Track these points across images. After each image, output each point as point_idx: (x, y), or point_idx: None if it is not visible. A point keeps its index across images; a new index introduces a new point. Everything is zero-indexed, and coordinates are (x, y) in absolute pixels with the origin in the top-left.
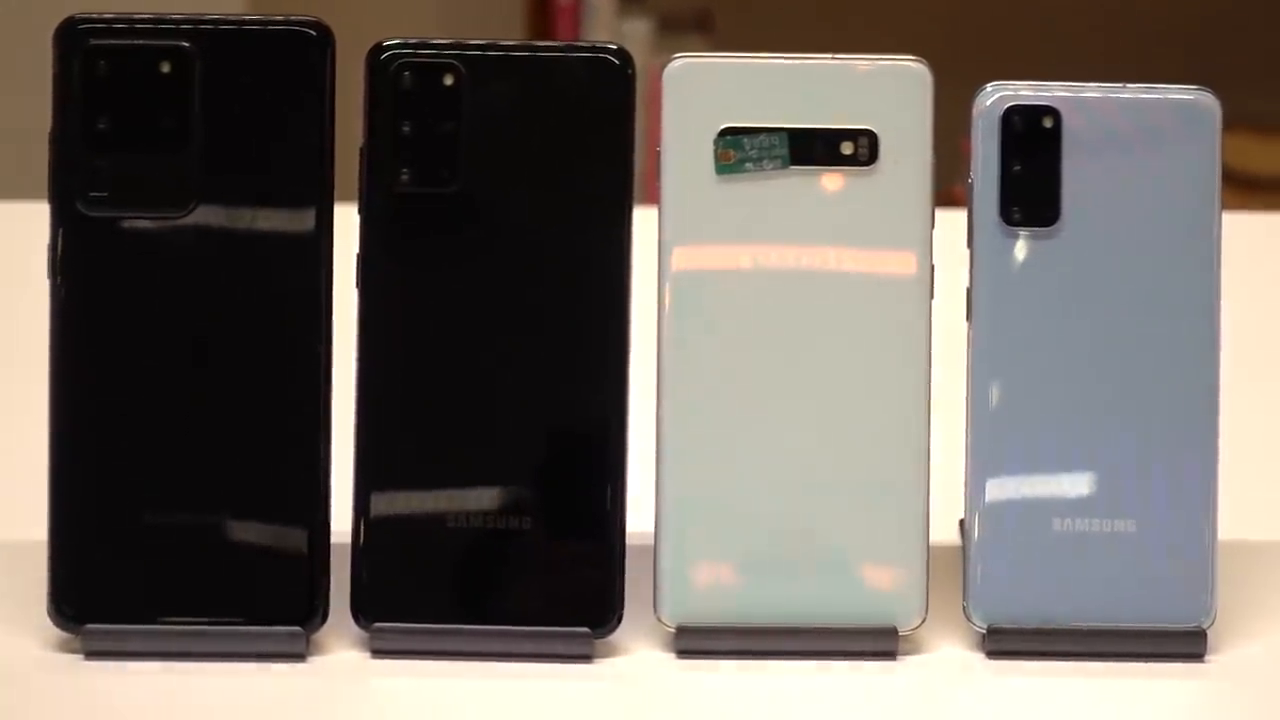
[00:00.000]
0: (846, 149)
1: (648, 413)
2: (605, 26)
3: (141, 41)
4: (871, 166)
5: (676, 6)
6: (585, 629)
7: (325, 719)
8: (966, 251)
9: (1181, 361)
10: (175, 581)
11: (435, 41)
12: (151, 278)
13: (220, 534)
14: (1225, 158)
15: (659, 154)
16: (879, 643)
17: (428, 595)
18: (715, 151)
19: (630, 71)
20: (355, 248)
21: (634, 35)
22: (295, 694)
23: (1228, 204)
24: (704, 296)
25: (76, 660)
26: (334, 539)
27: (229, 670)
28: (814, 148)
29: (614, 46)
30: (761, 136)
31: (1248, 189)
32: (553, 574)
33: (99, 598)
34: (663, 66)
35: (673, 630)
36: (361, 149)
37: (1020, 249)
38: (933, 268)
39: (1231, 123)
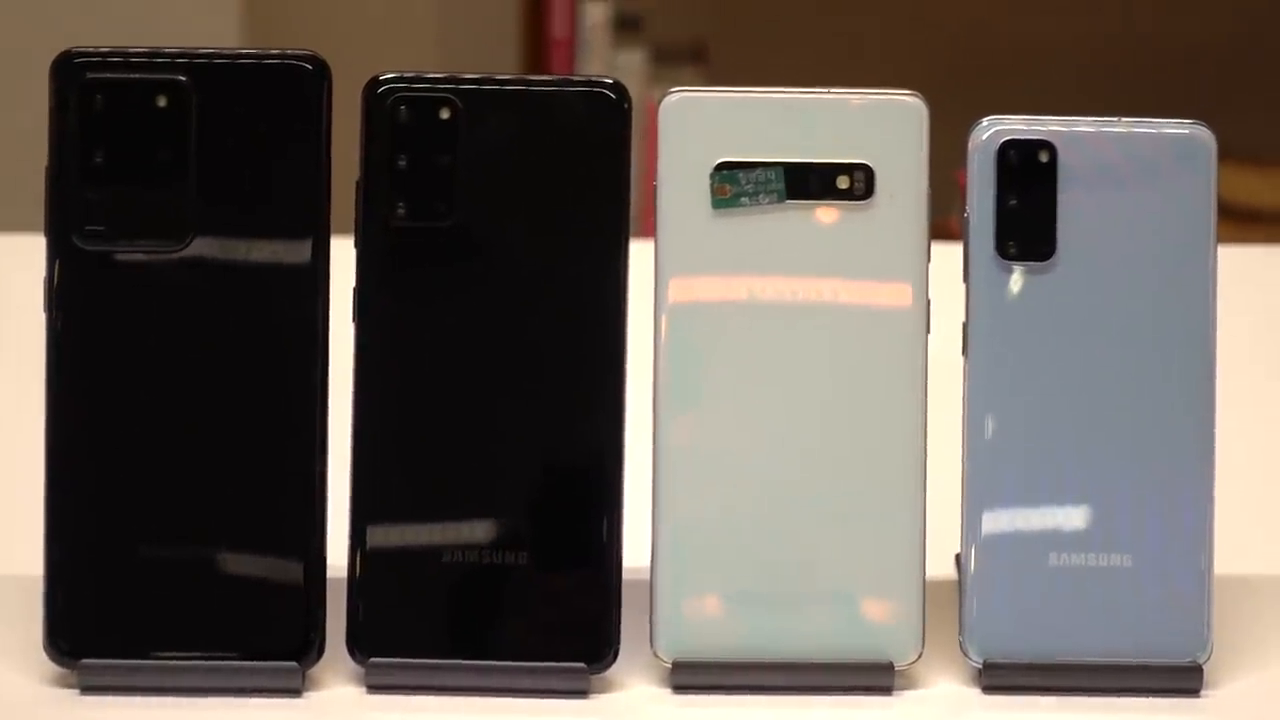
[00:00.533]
0: (842, 183)
1: (644, 446)
2: (600, 59)
3: (138, 75)
4: (867, 201)
5: (671, 39)
6: (581, 664)
7: None
8: (962, 285)
9: (1177, 395)
10: (171, 616)
11: (431, 75)
12: (148, 311)
13: (216, 568)
14: (1220, 190)
15: (655, 188)
16: (875, 677)
17: (424, 630)
18: (711, 186)
19: (626, 105)
20: (351, 281)
21: (628, 67)
22: None
23: (1222, 236)
24: (700, 329)
25: (72, 695)
26: (330, 573)
27: (225, 705)
28: (810, 182)
29: (610, 80)
30: (757, 171)
31: (1242, 221)
32: (549, 608)
33: (94, 633)
34: (658, 100)
35: (669, 665)
36: (357, 182)
37: (1016, 283)
38: (929, 301)
39: (1226, 155)
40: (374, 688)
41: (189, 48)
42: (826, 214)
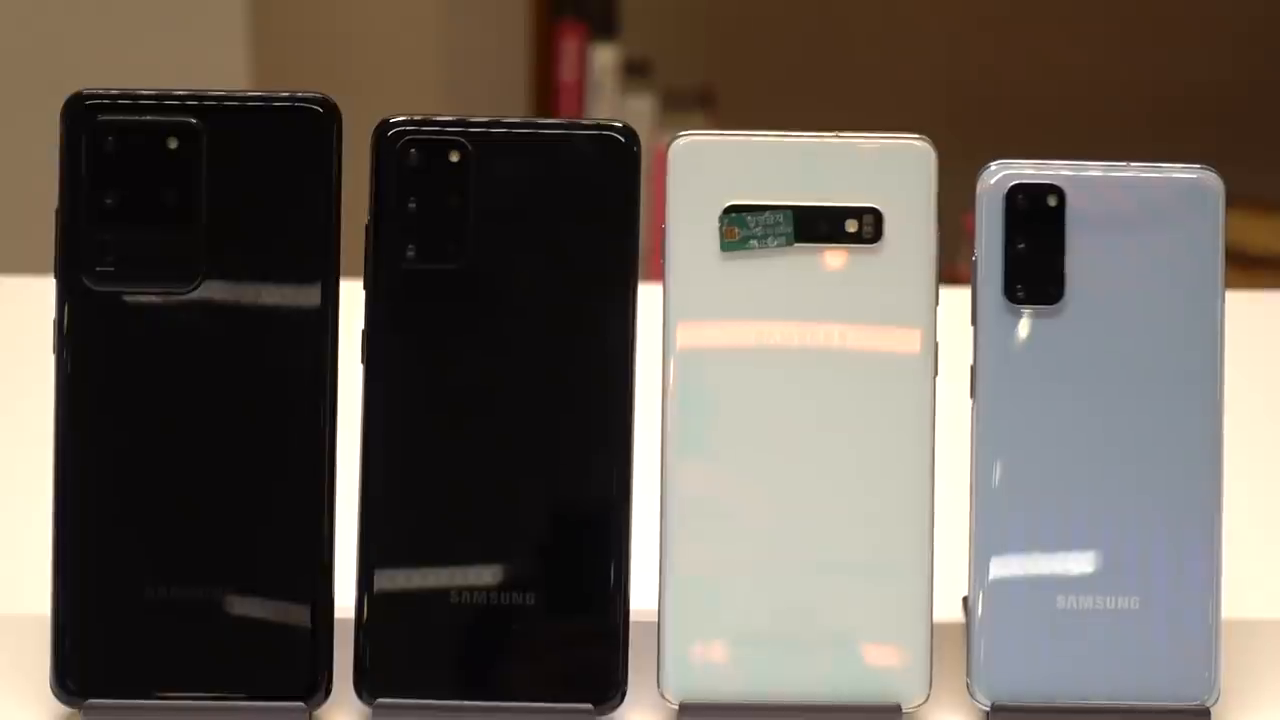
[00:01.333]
0: (851, 227)
1: (652, 489)
2: (608, 103)
3: (148, 117)
4: (876, 244)
5: (680, 83)
6: (588, 705)
7: None
8: (970, 329)
9: (1185, 440)
10: (178, 657)
11: (440, 118)
12: (157, 353)
13: (223, 609)
14: (1227, 235)
15: (664, 231)
16: None
17: (431, 671)
18: (720, 229)
19: (636, 149)
20: (360, 323)
21: (637, 111)
22: None
23: (1230, 282)
24: (708, 373)
25: None
26: (337, 614)
27: None
28: (819, 225)
29: (619, 124)
30: (766, 214)
31: (1250, 266)
32: (556, 649)
33: (102, 673)
34: (667, 144)
35: (676, 707)
36: (367, 225)
37: (1024, 327)
38: (937, 345)
39: (1234, 200)
40: None
41: (199, 90)
42: (835, 257)
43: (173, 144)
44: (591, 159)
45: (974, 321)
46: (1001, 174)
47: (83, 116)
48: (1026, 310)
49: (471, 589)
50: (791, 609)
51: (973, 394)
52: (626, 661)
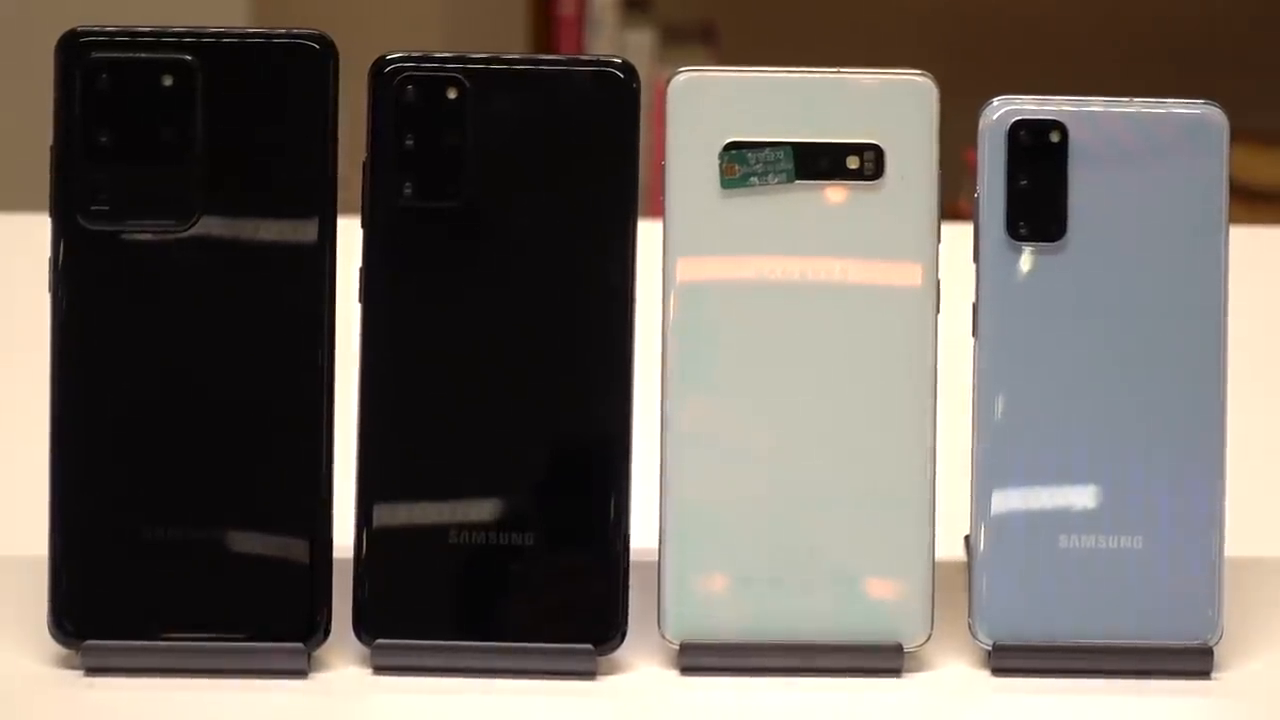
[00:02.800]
0: (852, 163)
1: (652, 426)
2: (608, 38)
3: (144, 54)
4: (877, 181)
5: (680, 18)
6: (588, 645)
7: None
8: (972, 266)
9: (1188, 377)
10: (176, 597)
11: (438, 55)
12: (153, 291)
13: (221, 550)
14: (1231, 170)
15: (663, 168)
16: (884, 659)
17: (430, 611)
18: (720, 166)
19: (635, 85)
20: (358, 261)
21: (637, 46)
22: (296, 711)
23: (1233, 217)
24: (709, 308)
25: (76, 676)
26: (336, 555)
27: (230, 687)
28: (819, 162)
29: (619, 60)
30: (766, 151)
31: (1253, 201)
32: (556, 590)
33: (99, 613)
34: (667, 80)
35: (677, 646)
36: (364, 163)
37: (1026, 264)
38: (939, 282)
39: (1237, 135)
40: (380, 669)
41: (195, 27)
42: (836, 194)
43: (168, 81)
44: (591, 96)
45: (976, 259)
46: (1004, 110)
47: (78, 53)
48: (1029, 247)
49: (471, 528)
50: (792, 548)
51: (975, 332)
52: (627, 601)
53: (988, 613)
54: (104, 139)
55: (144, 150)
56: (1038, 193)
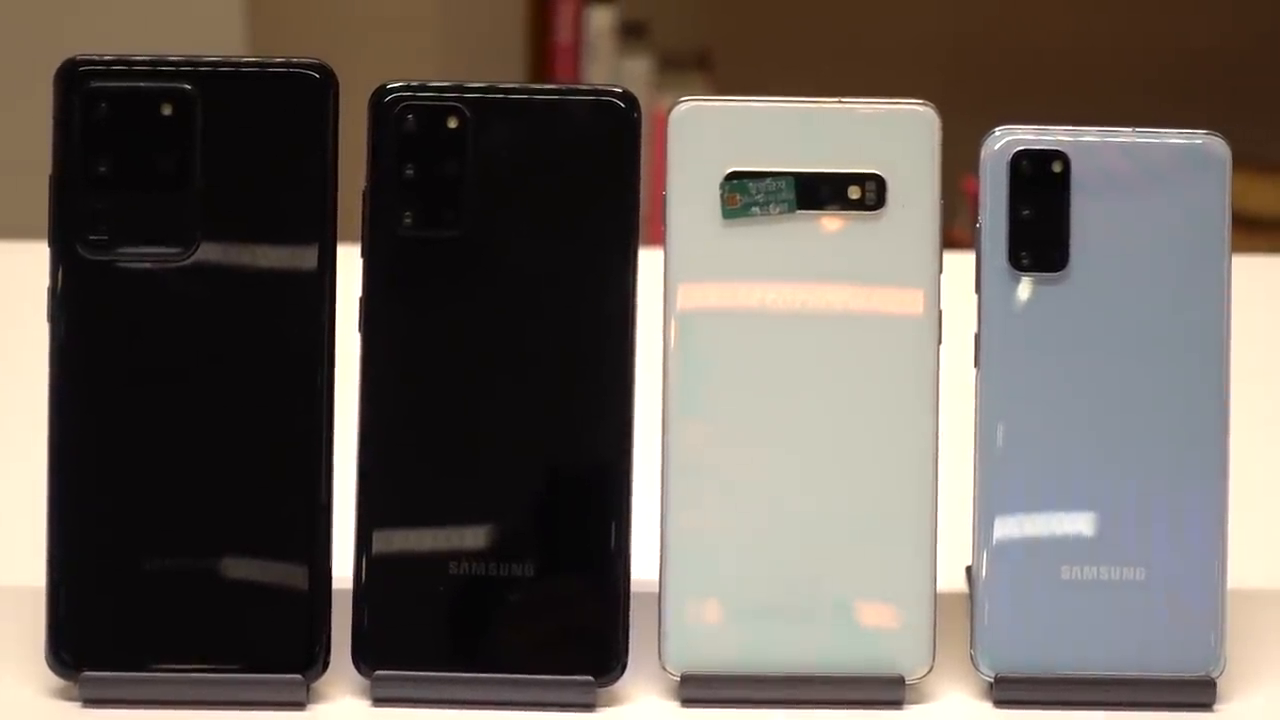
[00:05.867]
0: (854, 193)
1: (653, 455)
2: (605, 66)
3: (142, 83)
4: (879, 211)
5: (677, 46)
6: (589, 677)
7: None
8: (974, 295)
9: (1190, 407)
10: (174, 628)
11: (437, 84)
12: (152, 320)
13: (220, 580)
14: (1233, 199)
15: (664, 198)
16: (885, 691)
17: (430, 641)
18: (722, 195)
19: (636, 115)
20: (358, 290)
21: (634, 74)
22: None
23: (1235, 245)
24: (709, 336)
25: (74, 708)
26: (335, 585)
27: (228, 718)
28: (821, 192)
29: (619, 89)
30: (768, 181)
31: (1254, 230)
32: (556, 620)
33: (97, 644)
34: (667, 109)
35: (677, 678)
36: (364, 191)
37: (1028, 293)
38: (940, 311)
39: (1239, 163)
40: (379, 700)
41: (194, 55)
42: (837, 224)
43: (167, 110)
44: (592, 125)
45: (978, 289)
46: (1005, 140)
47: (77, 82)
48: (1030, 276)
49: (471, 558)
50: (794, 578)
51: (976, 362)
52: (627, 632)
53: (989, 644)
54: (103, 168)
55: (143, 179)
56: (1039, 222)
